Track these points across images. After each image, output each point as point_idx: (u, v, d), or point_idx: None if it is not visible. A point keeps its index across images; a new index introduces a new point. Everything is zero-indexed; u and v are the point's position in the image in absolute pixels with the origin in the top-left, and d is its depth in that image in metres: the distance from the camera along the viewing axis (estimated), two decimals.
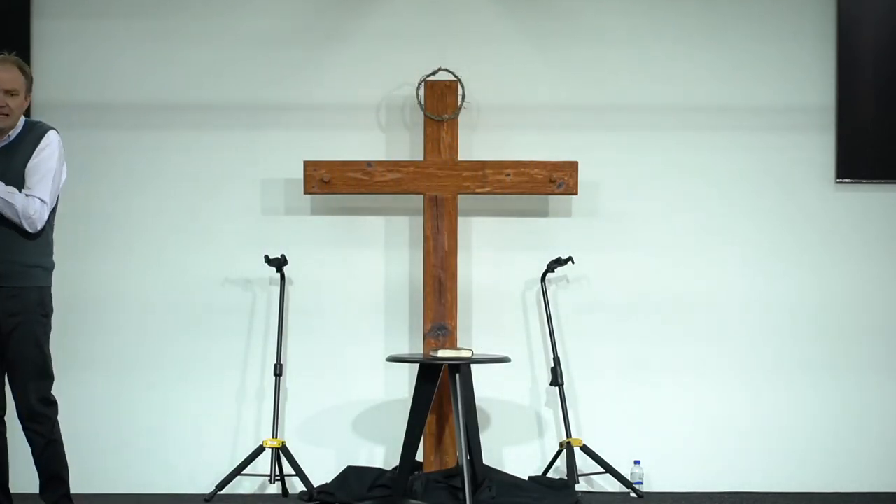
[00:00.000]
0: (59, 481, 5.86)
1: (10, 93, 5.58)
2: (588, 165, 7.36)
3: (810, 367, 7.50)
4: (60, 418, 7.42)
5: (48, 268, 5.75)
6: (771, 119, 7.53)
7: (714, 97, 7.53)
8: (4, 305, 5.59)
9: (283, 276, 7.31)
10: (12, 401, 5.77)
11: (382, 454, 7.42)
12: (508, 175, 7.28)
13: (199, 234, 7.46)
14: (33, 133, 5.70)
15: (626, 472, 7.29)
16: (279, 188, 7.46)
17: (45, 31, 7.44)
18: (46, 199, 5.66)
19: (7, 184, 5.59)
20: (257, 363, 7.43)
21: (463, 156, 7.35)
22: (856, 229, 7.53)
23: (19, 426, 5.83)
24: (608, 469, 7.22)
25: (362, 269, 7.46)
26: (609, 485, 7.37)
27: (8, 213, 5.55)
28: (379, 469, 7.25)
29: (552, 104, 7.51)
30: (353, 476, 7.13)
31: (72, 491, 7.33)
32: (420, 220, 7.34)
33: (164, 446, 7.37)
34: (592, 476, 7.35)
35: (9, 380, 5.71)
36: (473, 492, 6.72)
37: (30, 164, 5.64)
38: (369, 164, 7.28)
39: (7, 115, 5.59)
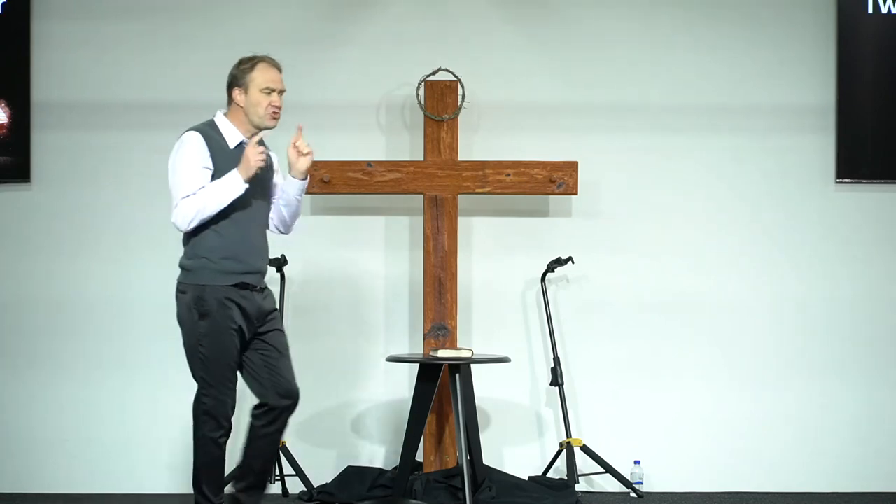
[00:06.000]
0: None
1: (282, 93, 5.70)
2: (588, 165, 7.37)
3: (810, 367, 7.50)
4: (62, 418, 7.47)
5: (186, 268, 5.64)
6: (771, 119, 7.53)
7: (714, 98, 7.54)
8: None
9: (283, 276, 7.31)
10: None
11: (382, 454, 7.43)
12: (508, 175, 7.28)
13: None
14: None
15: (626, 472, 7.29)
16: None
17: (45, 32, 7.44)
18: (173, 192, 5.59)
19: (260, 184, 5.67)
20: None
21: (463, 156, 7.36)
22: (856, 229, 7.53)
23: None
24: (608, 469, 7.22)
25: (362, 269, 7.47)
26: (609, 485, 7.37)
27: None
28: (379, 469, 7.26)
29: (552, 104, 7.51)
30: (353, 476, 7.14)
31: (71, 491, 7.38)
32: (420, 220, 7.34)
33: (165, 446, 7.37)
34: (592, 476, 7.35)
35: (273, 369, 5.71)
36: (473, 492, 6.73)
37: None
38: (369, 164, 7.28)
39: (277, 114, 5.68)
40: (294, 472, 7.10)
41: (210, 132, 5.64)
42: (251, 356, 5.67)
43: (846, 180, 7.53)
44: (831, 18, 7.52)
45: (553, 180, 7.29)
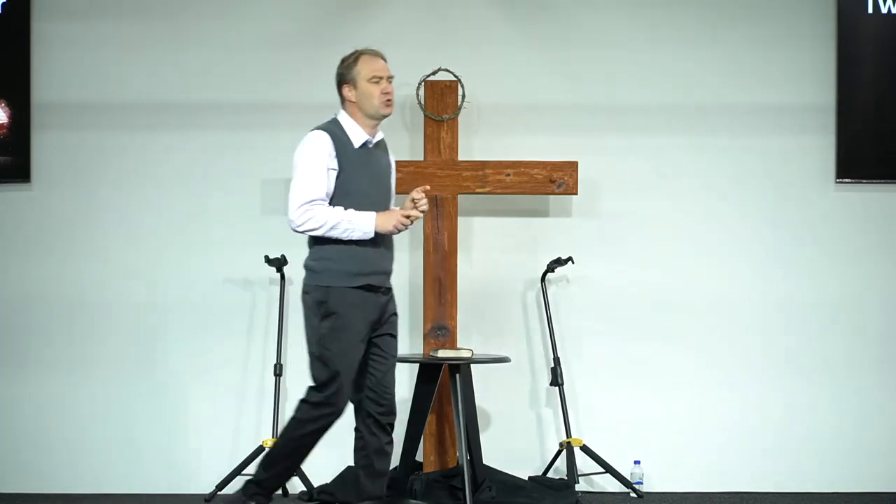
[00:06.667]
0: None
1: (390, 79, 5.69)
2: (588, 165, 7.36)
3: (809, 366, 7.49)
4: (61, 418, 7.47)
5: (312, 269, 5.68)
6: (771, 119, 7.53)
7: (714, 98, 7.53)
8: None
9: (283, 276, 7.31)
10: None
11: None
12: (508, 175, 7.27)
13: (199, 234, 7.46)
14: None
15: (626, 472, 7.29)
16: (279, 188, 7.45)
17: (45, 33, 7.44)
18: (295, 190, 5.61)
19: (383, 183, 5.74)
20: (257, 363, 7.43)
21: (463, 156, 7.35)
22: (856, 229, 7.53)
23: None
24: (608, 469, 7.21)
25: None
26: (609, 485, 7.36)
27: None
28: None
29: (552, 104, 7.51)
30: (353, 476, 7.12)
31: (71, 491, 7.37)
32: (420, 220, 7.33)
33: (165, 446, 7.37)
34: (592, 476, 7.35)
35: (375, 374, 5.68)
36: (473, 492, 6.72)
37: None
38: None
39: (391, 101, 5.68)
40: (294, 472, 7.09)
41: (336, 131, 5.65)
42: (363, 359, 5.66)
43: (846, 180, 7.52)
44: (831, 18, 7.51)
45: (553, 180, 7.29)
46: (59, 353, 7.41)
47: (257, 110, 7.48)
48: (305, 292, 5.65)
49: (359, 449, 5.75)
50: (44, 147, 7.43)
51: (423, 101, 7.33)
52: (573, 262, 7.37)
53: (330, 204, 5.61)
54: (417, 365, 6.98)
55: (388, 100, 5.67)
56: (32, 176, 7.43)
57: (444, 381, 6.97)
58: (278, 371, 7.23)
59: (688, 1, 7.55)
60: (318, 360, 5.57)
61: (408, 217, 5.58)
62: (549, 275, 7.41)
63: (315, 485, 7.09)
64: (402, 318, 7.42)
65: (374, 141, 5.73)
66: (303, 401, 5.65)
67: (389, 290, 5.73)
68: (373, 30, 7.49)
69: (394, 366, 5.78)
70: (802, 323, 7.51)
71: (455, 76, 7.34)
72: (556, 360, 7.30)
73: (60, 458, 7.36)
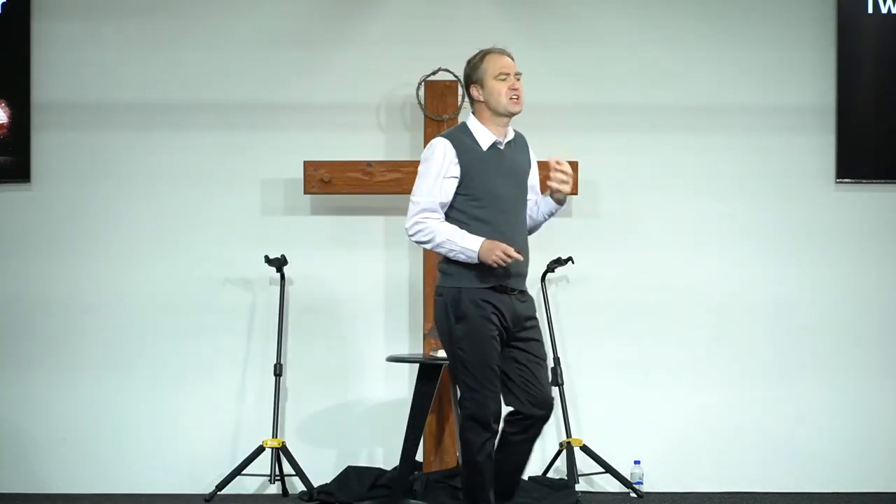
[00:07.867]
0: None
1: (518, 76, 5.61)
2: (588, 165, 7.35)
3: (809, 367, 7.50)
4: (60, 418, 7.47)
5: (444, 272, 5.56)
6: (771, 119, 7.53)
7: (714, 98, 7.53)
8: None
9: (283, 276, 7.31)
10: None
11: (382, 454, 7.42)
12: None
13: (199, 234, 7.47)
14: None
15: (626, 472, 7.29)
16: (279, 188, 7.46)
17: (45, 32, 7.44)
18: (413, 198, 5.53)
19: (517, 183, 5.61)
20: (257, 363, 7.43)
21: None
22: (856, 229, 7.53)
23: None
24: (608, 469, 7.21)
25: (362, 269, 7.46)
26: (609, 485, 7.36)
27: None
28: (379, 469, 7.25)
29: (552, 104, 7.50)
30: (353, 476, 7.14)
31: (71, 491, 7.37)
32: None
33: (165, 446, 7.38)
34: (592, 476, 7.35)
35: (527, 378, 5.51)
36: None
37: None
38: (369, 164, 7.28)
39: (519, 97, 5.59)
40: (294, 472, 7.10)
41: (461, 137, 5.57)
42: (505, 364, 5.50)
43: (846, 180, 7.52)
44: (831, 18, 7.51)
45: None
46: (59, 353, 7.41)
47: (257, 110, 7.48)
48: (439, 294, 5.53)
49: (503, 444, 5.54)
50: (44, 147, 7.43)
51: (423, 101, 7.33)
52: (573, 262, 7.37)
53: (459, 209, 5.50)
54: (417, 365, 6.97)
55: (516, 96, 5.58)
56: (32, 176, 7.43)
57: (444, 381, 6.97)
58: (278, 371, 7.23)
59: (688, 1, 7.55)
60: (459, 363, 5.46)
61: (509, 256, 5.39)
62: (549, 275, 7.41)
63: (315, 485, 7.10)
64: (402, 318, 7.48)
65: (506, 141, 5.62)
66: (463, 420, 5.48)
67: (524, 293, 5.58)
68: (373, 30, 7.49)
69: (546, 368, 5.59)
70: (802, 323, 7.51)
71: (455, 76, 7.33)
72: (556, 360, 7.30)
73: (60, 458, 7.36)
